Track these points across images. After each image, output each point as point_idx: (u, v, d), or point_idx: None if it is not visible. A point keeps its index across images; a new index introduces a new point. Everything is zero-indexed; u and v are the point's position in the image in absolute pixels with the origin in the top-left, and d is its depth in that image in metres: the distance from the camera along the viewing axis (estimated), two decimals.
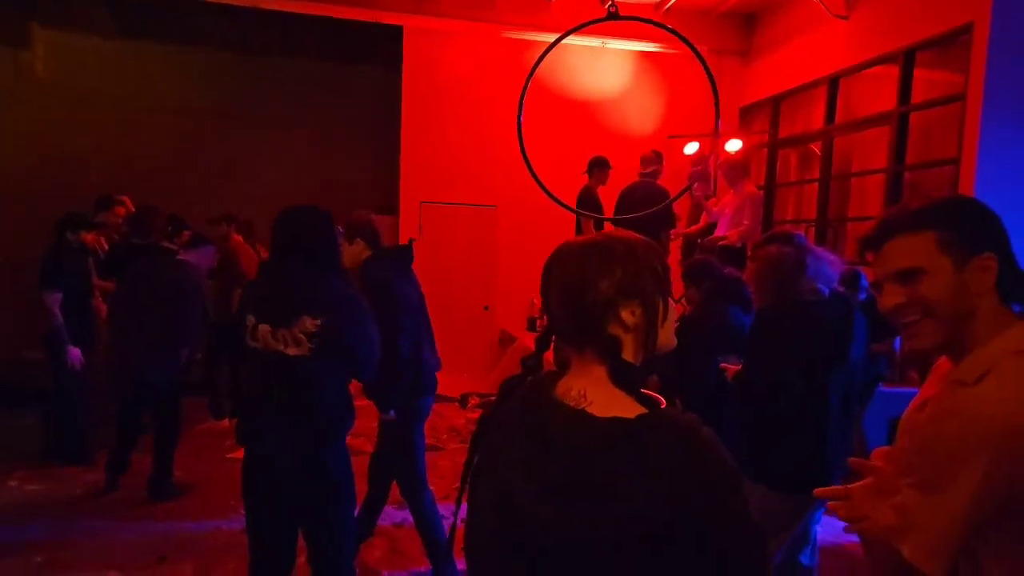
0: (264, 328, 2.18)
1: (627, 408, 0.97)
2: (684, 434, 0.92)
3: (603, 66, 7.57)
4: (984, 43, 4.71)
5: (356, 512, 2.59)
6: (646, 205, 5.24)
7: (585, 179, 6.13)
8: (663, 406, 1.00)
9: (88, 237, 4.70)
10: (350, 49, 7.58)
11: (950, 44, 5.12)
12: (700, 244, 6.01)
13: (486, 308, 7.62)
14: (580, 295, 1.01)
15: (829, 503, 1.29)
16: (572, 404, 0.99)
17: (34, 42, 6.99)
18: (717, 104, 4.08)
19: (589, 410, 0.97)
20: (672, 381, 3.53)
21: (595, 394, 0.99)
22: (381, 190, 7.87)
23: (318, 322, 2.14)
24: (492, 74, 7.16)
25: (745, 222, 5.72)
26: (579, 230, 5.96)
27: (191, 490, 4.24)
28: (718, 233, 5.88)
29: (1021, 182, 4.70)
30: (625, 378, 1.00)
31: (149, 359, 4.08)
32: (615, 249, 1.03)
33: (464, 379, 6.84)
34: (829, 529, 2.76)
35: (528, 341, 6.39)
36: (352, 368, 2.28)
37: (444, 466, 4.71)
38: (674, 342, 1.06)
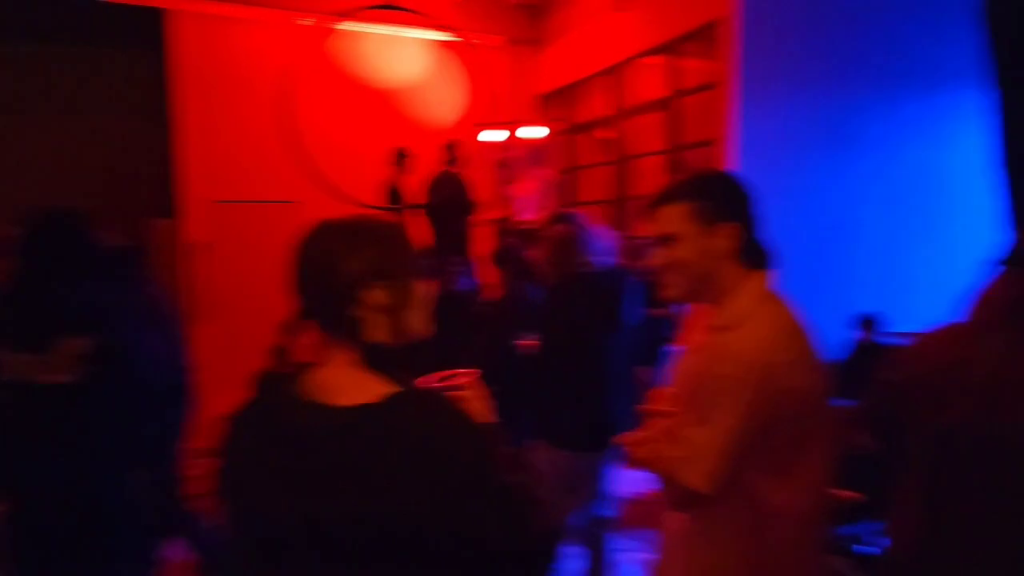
0: (18, 359, 1.86)
1: (377, 390, 0.96)
2: (434, 410, 0.92)
3: (409, 55, 7.44)
4: (735, 35, 5.31)
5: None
6: (447, 194, 5.33)
7: (389, 171, 6.16)
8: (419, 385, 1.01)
9: None
10: (98, 31, 6.61)
11: (708, 36, 5.72)
12: (504, 229, 6.25)
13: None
14: (329, 275, 0.99)
15: (631, 449, 1.43)
16: (318, 395, 0.97)
17: None
18: (486, 94, 4.22)
19: (336, 398, 0.96)
20: (486, 362, 3.62)
21: (344, 379, 0.98)
22: (158, 189, 6.91)
23: (86, 341, 1.86)
24: (287, 63, 6.64)
25: (545, 206, 6.02)
26: None
27: None
28: (521, 217, 6.13)
29: (773, 159, 5.38)
30: (374, 359, 0.99)
31: None
32: (366, 230, 1.03)
33: None
34: (628, 480, 2.99)
35: None
36: (140, 386, 2.03)
37: None
38: (428, 327, 1.06)
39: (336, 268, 0.99)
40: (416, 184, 6.20)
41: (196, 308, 6.42)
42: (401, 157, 6.24)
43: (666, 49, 6.19)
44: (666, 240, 1.42)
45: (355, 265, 0.99)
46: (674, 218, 1.40)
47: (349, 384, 0.98)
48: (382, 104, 7.30)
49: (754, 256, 1.42)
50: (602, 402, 2.53)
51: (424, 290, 1.06)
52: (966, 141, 5.43)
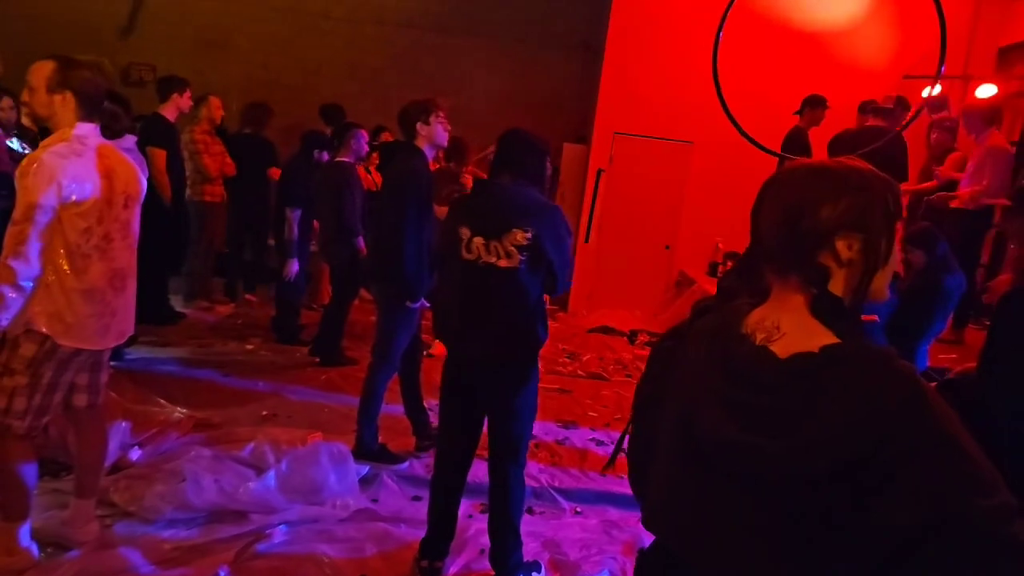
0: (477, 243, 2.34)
1: (817, 339, 0.94)
2: (874, 366, 0.88)
3: None
4: None
5: None
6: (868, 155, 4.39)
7: (796, 120, 5.62)
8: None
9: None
10: None
11: None
12: (927, 202, 5.15)
13: (667, 248, 7.28)
14: (797, 218, 0.97)
15: None
16: (760, 337, 0.98)
17: None
18: (943, 40, 3.44)
19: (777, 344, 0.96)
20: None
21: (790, 324, 0.98)
22: (579, 117, 7.71)
23: (528, 234, 2.30)
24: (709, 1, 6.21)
25: (984, 181, 4.70)
26: None
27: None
28: (953, 192, 4.97)
29: None
30: (827, 309, 0.96)
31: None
32: (845, 176, 0.98)
33: (636, 316, 6.86)
34: None
35: (707, 285, 6.22)
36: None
37: (607, 396, 4.92)
38: (886, 294, 1.01)
39: (811, 212, 0.96)
40: (830, 136, 5.09)
41: (591, 225, 7.13)
42: (812, 105, 5.58)
43: None
44: None
45: (832, 213, 0.96)
46: None
47: (794, 328, 0.97)
48: (805, 46, 6.71)
49: None
50: None
51: (895, 253, 1.00)
52: None
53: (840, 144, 4.79)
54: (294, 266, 5.01)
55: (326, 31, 7.71)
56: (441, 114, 3.22)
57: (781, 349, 0.95)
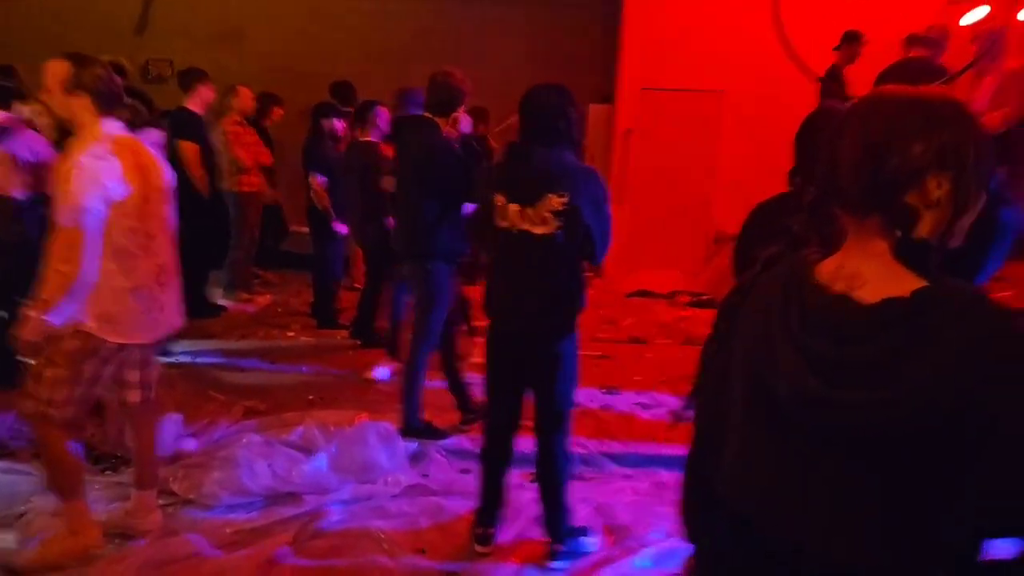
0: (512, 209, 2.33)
1: (906, 284, 0.88)
2: (970, 308, 0.84)
3: None
4: None
5: None
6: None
7: (832, 58, 5.40)
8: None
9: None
10: None
11: None
12: None
13: (703, 204, 7.05)
14: (885, 156, 0.88)
15: None
16: (840, 287, 0.92)
17: None
18: None
19: (859, 292, 0.90)
20: None
21: (872, 271, 0.91)
22: (601, 76, 7.49)
23: (564, 199, 2.26)
24: None
25: (1012, 104, 4.43)
26: None
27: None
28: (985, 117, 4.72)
29: None
30: (913, 253, 0.89)
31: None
32: (938, 107, 0.90)
33: (675, 276, 6.77)
34: None
35: None
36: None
37: (650, 359, 4.90)
38: (963, 235, 0.95)
39: (903, 149, 0.87)
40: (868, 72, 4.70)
41: (619, 189, 6.89)
42: (848, 40, 5.39)
43: None
44: None
45: (927, 151, 0.87)
46: None
47: (876, 275, 0.90)
48: None
49: None
50: None
51: (980, 196, 0.92)
52: None
53: (888, 79, 4.25)
54: (341, 228, 5.02)
55: (340, 12, 7.59)
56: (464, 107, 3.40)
57: (868, 295, 0.89)
